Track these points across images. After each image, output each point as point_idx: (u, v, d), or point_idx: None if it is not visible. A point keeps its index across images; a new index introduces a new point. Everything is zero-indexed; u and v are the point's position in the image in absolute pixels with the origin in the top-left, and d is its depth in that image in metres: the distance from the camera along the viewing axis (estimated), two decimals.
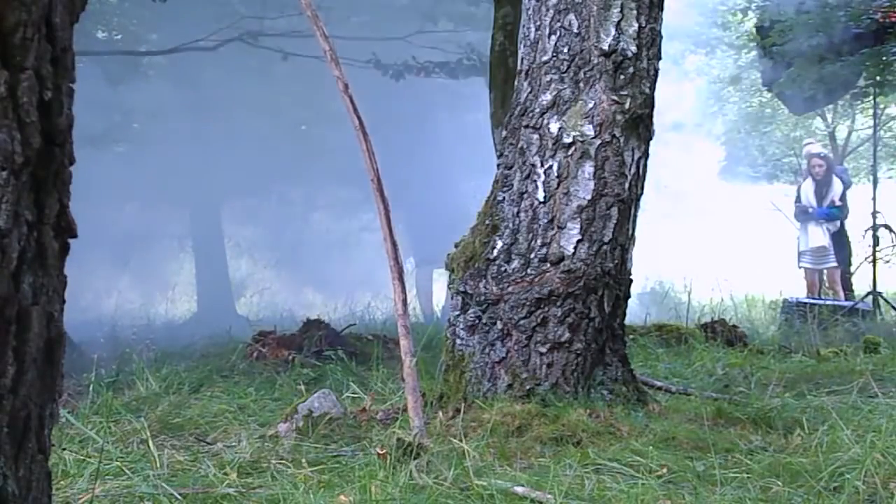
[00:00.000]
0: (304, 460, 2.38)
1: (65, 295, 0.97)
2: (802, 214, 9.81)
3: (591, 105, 2.94)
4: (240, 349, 4.34)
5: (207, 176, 9.62)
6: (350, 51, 8.66)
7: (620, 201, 2.95)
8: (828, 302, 8.03)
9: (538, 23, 3.05)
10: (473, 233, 3.07)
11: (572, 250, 2.90)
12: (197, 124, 9.04)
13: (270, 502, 2.04)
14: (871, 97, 10.09)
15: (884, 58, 8.62)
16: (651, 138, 3.09)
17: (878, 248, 8.06)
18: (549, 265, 2.90)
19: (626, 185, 2.96)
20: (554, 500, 1.97)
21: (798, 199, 9.95)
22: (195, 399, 3.21)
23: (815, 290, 9.67)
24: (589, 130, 2.93)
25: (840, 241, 9.58)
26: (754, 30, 10.62)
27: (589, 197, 2.92)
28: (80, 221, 0.98)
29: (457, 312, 2.99)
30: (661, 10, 3.07)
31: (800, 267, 9.87)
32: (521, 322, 2.88)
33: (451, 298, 3.06)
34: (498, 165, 3.10)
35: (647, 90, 2.99)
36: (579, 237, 2.91)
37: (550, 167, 2.95)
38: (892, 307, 7.90)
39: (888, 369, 3.86)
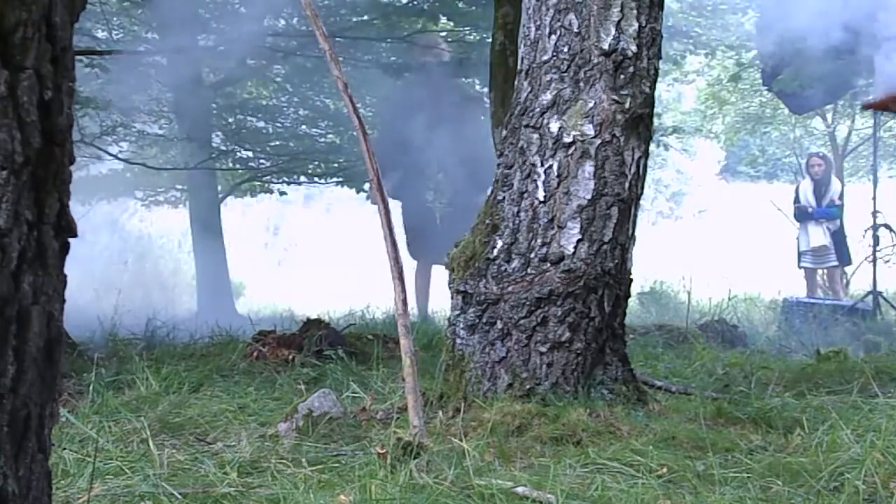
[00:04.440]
0: (304, 460, 2.38)
1: (65, 295, 0.97)
2: (802, 214, 9.82)
3: (591, 104, 2.94)
4: (240, 349, 4.33)
5: (207, 175, 9.63)
6: (350, 51, 8.67)
7: (620, 201, 2.95)
8: (828, 302, 8.03)
9: (538, 22, 3.05)
10: (473, 232, 3.07)
11: (572, 250, 2.90)
12: (196, 124, 9.04)
13: (270, 502, 2.04)
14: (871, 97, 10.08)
15: None
16: (651, 138, 3.10)
17: (878, 248, 8.06)
18: (549, 265, 2.90)
19: (627, 185, 2.96)
20: (555, 500, 1.97)
21: (797, 200, 9.96)
22: (195, 399, 3.21)
23: (815, 289, 9.68)
24: (589, 130, 2.93)
25: (840, 239, 9.60)
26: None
27: (589, 196, 2.92)
28: (81, 221, 0.98)
29: (457, 312, 2.99)
30: (662, 9, 3.08)
31: (800, 267, 9.88)
32: (521, 321, 2.88)
33: (452, 298, 3.06)
34: (498, 165, 3.11)
35: (648, 90, 3.00)
36: (579, 237, 2.91)
37: (550, 167, 2.95)
38: (893, 307, 7.90)
39: (888, 369, 3.86)
